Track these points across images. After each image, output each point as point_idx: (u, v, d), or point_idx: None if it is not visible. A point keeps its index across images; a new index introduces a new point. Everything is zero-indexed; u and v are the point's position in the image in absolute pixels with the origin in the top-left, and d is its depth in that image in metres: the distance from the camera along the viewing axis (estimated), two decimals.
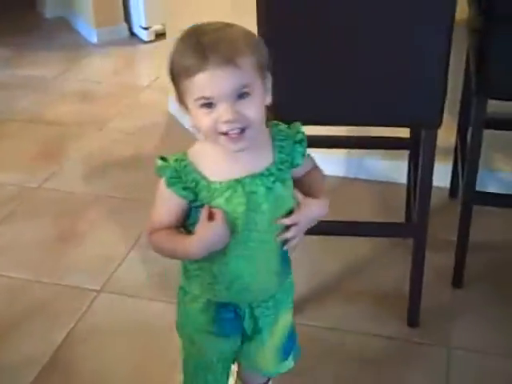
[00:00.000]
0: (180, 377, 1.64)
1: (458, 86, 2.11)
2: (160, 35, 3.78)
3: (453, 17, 1.52)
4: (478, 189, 1.89)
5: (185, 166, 1.11)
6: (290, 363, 1.36)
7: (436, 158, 1.68)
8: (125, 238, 2.25)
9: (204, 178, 1.11)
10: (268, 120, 1.14)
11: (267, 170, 1.13)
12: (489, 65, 1.72)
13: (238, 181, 1.10)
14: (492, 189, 2.35)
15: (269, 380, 1.46)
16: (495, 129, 2.12)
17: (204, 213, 1.10)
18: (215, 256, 1.13)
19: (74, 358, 1.79)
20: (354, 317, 1.90)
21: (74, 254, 2.18)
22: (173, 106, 3.04)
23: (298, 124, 1.20)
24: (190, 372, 1.30)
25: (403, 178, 2.22)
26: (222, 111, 1.04)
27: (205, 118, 1.06)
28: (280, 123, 1.19)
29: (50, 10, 4.26)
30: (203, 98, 1.04)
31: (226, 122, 1.04)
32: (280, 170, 1.14)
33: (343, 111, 1.64)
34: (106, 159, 2.73)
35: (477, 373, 1.73)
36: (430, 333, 1.84)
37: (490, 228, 2.20)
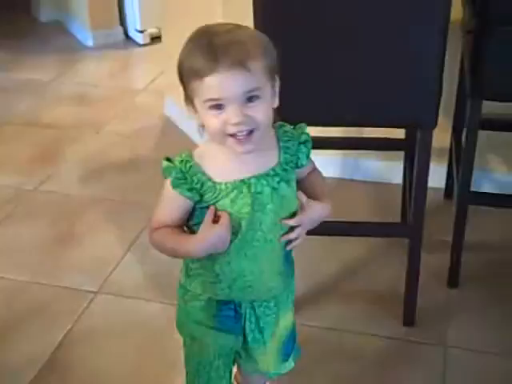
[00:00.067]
0: (178, 378, 1.66)
1: (452, 87, 2.13)
2: (155, 38, 3.79)
3: (447, 17, 1.54)
4: (472, 189, 1.90)
5: (190, 167, 1.11)
6: (290, 364, 1.37)
7: (431, 159, 1.69)
8: (122, 239, 2.25)
9: (209, 178, 1.11)
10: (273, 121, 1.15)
11: (273, 170, 1.14)
12: (483, 66, 1.73)
13: (243, 181, 1.11)
14: (486, 189, 2.37)
15: None
16: (490, 130, 2.14)
17: (209, 214, 1.11)
18: (218, 255, 1.14)
19: (72, 358, 1.79)
20: (350, 317, 1.91)
21: (72, 255, 2.19)
22: (168, 109, 3.05)
23: (303, 125, 1.21)
24: (192, 370, 1.30)
25: (398, 179, 2.24)
26: (231, 114, 1.04)
27: (213, 120, 1.06)
28: (285, 124, 1.20)
29: (45, 14, 4.26)
30: (212, 99, 1.04)
31: (235, 124, 1.05)
32: (285, 170, 1.15)
33: (338, 112, 1.65)
34: (103, 162, 2.73)
35: (473, 371, 1.74)
36: (427, 332, 1.85)
37: (485, 228, 2.22)
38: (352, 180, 2.52)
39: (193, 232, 1.16)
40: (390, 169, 2.45)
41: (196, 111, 1.10)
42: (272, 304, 1.25)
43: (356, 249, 2.15)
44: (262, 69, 1.05)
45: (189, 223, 1.18)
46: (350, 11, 1.55)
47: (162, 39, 3.17)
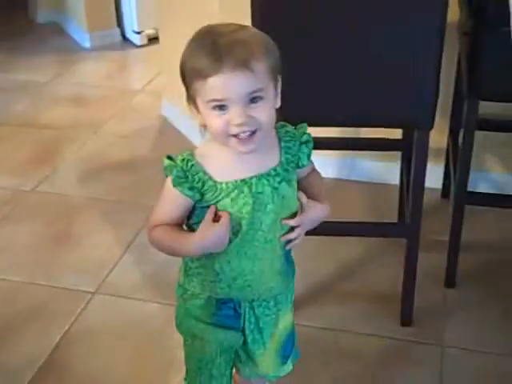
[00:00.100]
0: (176, 378, 1.66)
1: (449, 88, 2.13)
2: (152, 39, 3.80)
3: (444, 19, 1.54)
4: (469, 189, 1.91)
5: (192, 166, 1.11)
6: (289, 367, 1.37)
7: (428, 159, 1.70)
8: (119, 240, 2.25)
9: (210, 177, 1.11)
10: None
11: (274, 170, 1.14)
12: (480, 67, 1.74)
13: (244, 181, 1.11)
14: (483, 189, 2.37)
15: None
16: (487, 130, 2.14)
17: (210, 213, 1.11)
18: (218, 254, 1.14)
19: (70, 359, 1.79)
20: (347, 316, 1.91)
21: (69, 256, 2.19)
22: (166, 110, 3.06)
23: (304, 125, 1.21)
24: (194, 369, 1.30)
25: (395, 179, 2.24)
26: (234, 114, 1.05)
27: (216, 120, 1.06)
28: (287, 124, 1.20)
29: (42, 15, 4.26)
30: (216, 100, 1.04)
31: (238, 125, 1.05)
32: (286, 170, 1.15)
33: (335, 112, 1.65)
34: (100, 162, 2.74)
35: (470, 371, 1.74)
36: (424, 332, 1.86)
37: (481, 228, 2.22)
38: (349, 180, 2.53)
39: (192, 231, 1.16)
40: (387, 169, 2.46)
41: (198, 111, 1.10)
42: (271, 304, 1.26)
43: (353, 249, 2.16)
44: (266, 69, 1.05)
45: (189, 222, 1.18)
46: (346, 12, 1.55)
47: (160, 40, 3.17)
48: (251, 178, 1.12)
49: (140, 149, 2.82)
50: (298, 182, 1.20)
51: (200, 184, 1.11)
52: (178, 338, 1.33)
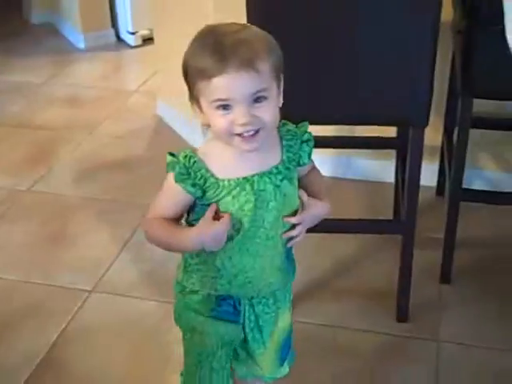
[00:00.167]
0: (173, 375, 1.66)
1: (443, 86, 2.15)
2: (147, 40, 3.79)
3: (438, 18, 1.56)
4: (463, 186, 1.92)
5: (194, 163, 1.11)
6: (285, 369, 1.38)
7: (423, 157, 1.71)
8: (115, 238, 2.26)
9: (212, 175, 1.11)
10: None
11: (275, 168, 1.14)
12: (473, 65, 1.75)
13: (246, 179, 1.12)
14: (477, 186, 2.39)
15: None
16: (481, 128, 2.16)
17: (210, 210, 1.12)
18: (220, 250, 1.15)
19: (67, 357, 1.80)
20: (344, 313, 1.92)
21: (66, 255, 2.19)
22: (161, 110, 3.06)
23: (305, 124, 1.22)
24: (194, 362, 1.29)
25: (391, 177, 2.25)
26: (239, 114, 1.05)
27: (220, 120, 1.07)
28: (288, 123, 1.20)
29: (36, 16, 4.26)
30: (220, 100, 1.05)
31: (242, 125, 1.05)
32: (288, 168, 1.16)
33: (331, 111, 1.66)
34: (96, 162, 2.74)
35: (466, 366, 1.75)
36: (420, 328, 1.87)
37: (476, 225, 2.24)
38: (345, 178, 2.53)
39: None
40: (382, 167, 2.47)
41: (201, 110, 1.10)
42: (271, 302, 1.26)
43: (349, 246, 2.17)
44: (269, 69, 1.05)
45: (188, 219, 1.18)
46: (340, 11, 1.56)
47: (154, 41, 3.18)
48: (253, 175, 1.12)
49: (135, 149, 2.82)
50: (299, 180, 1.21)
51: (202, 181, 1.11)
52: (176, 335, 1.33)
